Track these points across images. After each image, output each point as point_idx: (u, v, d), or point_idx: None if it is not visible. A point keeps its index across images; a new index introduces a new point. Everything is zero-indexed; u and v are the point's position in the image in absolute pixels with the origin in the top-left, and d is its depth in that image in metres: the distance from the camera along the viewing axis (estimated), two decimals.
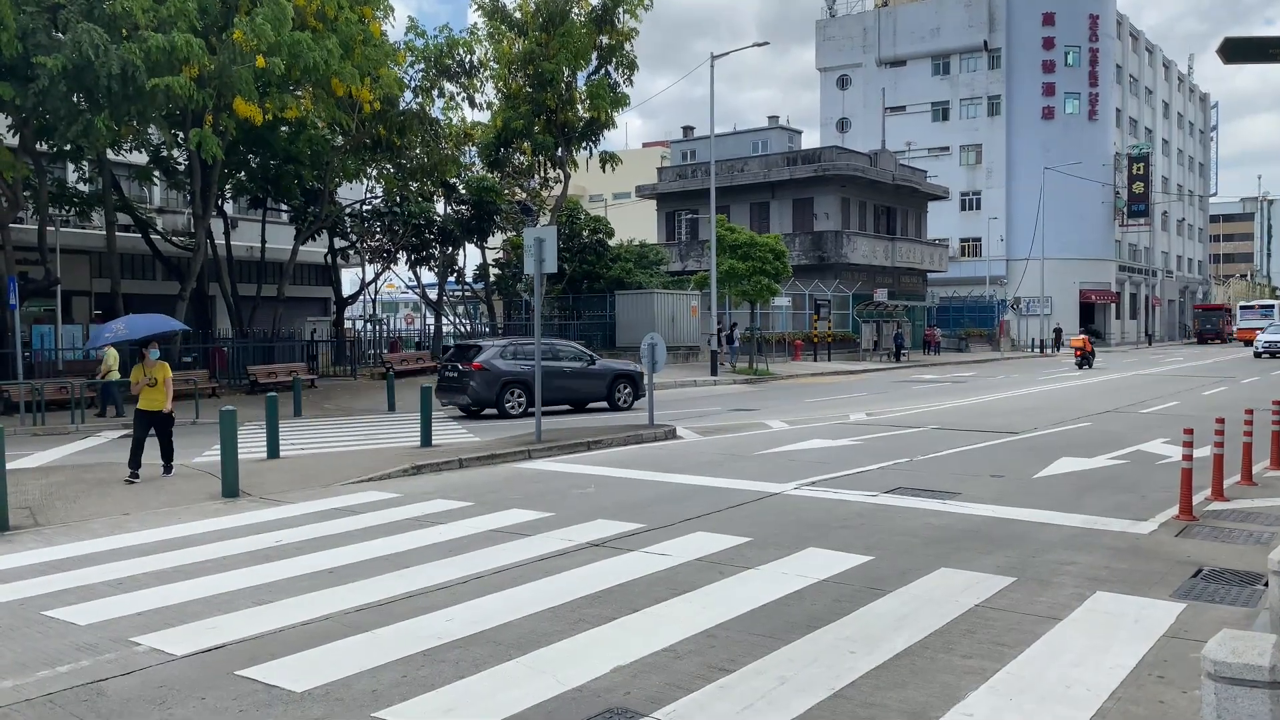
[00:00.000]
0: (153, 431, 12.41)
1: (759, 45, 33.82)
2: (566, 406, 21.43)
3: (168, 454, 12.53)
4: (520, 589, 6.92)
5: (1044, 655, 5.47)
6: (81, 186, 29.50)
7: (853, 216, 49.92)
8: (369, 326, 39.92)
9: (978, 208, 69.52)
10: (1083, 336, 41.14)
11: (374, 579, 7.25)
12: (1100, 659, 5.40)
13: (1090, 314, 70.78)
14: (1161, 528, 8.74)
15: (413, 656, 5.56)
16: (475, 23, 39.80)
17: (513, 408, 20.03)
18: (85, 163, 27.39)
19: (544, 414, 18.90)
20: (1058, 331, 57.86)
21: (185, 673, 5.40)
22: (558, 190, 37.00)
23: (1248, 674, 3.15)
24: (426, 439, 14.80)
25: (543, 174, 37.51)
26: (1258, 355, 45.20)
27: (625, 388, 22.04)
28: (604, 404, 21.69)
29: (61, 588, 7.19)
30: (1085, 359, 37.86)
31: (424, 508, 10.07)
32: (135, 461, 12.05)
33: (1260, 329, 52.39)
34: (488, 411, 20.35)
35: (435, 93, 32.27)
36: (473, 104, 33.33)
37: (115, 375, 21.11)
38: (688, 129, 74.59)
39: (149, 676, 5.35)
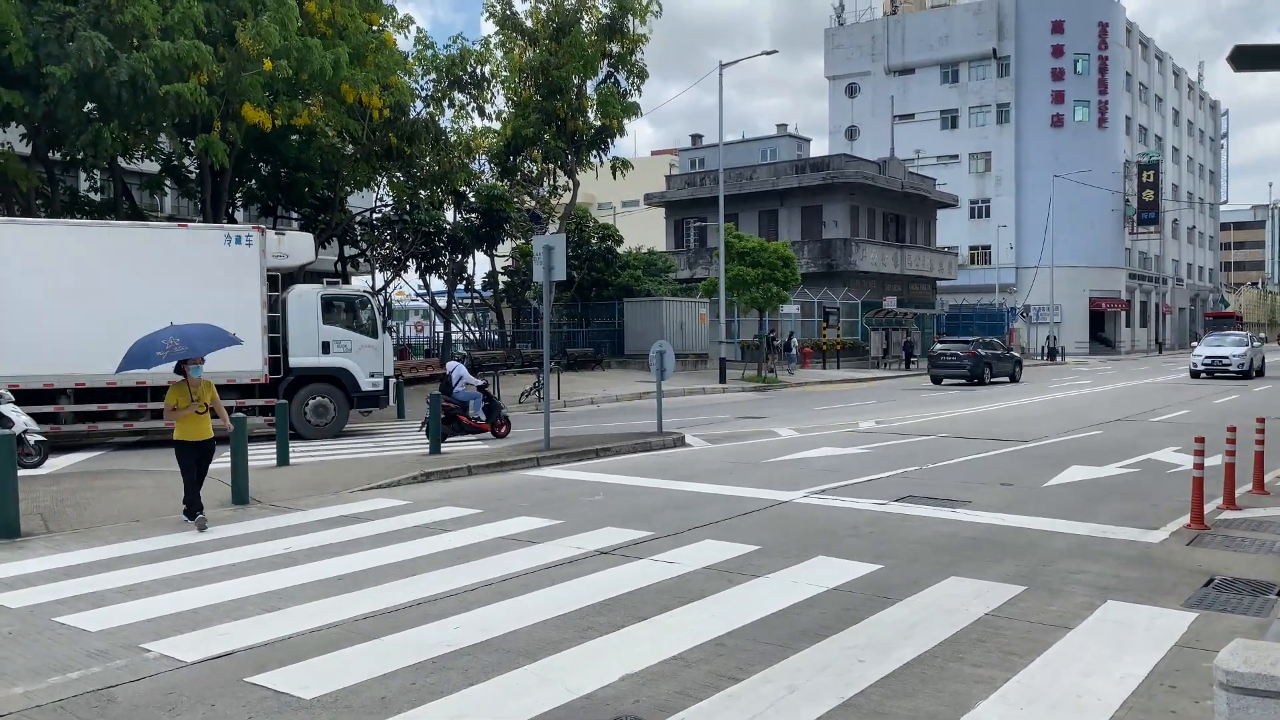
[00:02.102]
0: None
1: (767, 54, 33.75)
2: (950, 381, 32.94)
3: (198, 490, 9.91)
4: (529, 597, 6.92)
5: (1054, 664, 5.44)
6: (93, 195, 29.65)
7: (861, 224, 49.85)
8: None
9: (987, 215, 69.41)
10: None
11: (383, 586, 7.26)
12: (1111, 668, 5.37)
13: (1100, 322, 70.56)
14: (1173, 536, 8.69)
15: (421, 664, 5.56)
16: (488, 34, 39.92)
17: (988, 378, 32.54)
18: (97, 171, 27.54)
19: (987, 383, 32.26)
20: (1051, 339, 57.57)
21: (195, 679, 5.41)
22: (567, 198, 37.06)
23: (1261, 684, 3.13)
24: (435, 446, 14.83)
25: (552, 181, 37.59)
26: (1195, 374, 34.34)
27: (1019, 368, 35.44)
28: (1007, 379, 34.15)
29: (73, 594, 7.22)
30: None
31: (432, 515, 10.08)
32: (196, 502, 9.79)
33: None
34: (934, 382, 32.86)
35: (445, 103, 32.38)
36: (482, 114, 33.42)
37: None
38: (696, 137, 74.98)
39: (159, 683, 5.37)
